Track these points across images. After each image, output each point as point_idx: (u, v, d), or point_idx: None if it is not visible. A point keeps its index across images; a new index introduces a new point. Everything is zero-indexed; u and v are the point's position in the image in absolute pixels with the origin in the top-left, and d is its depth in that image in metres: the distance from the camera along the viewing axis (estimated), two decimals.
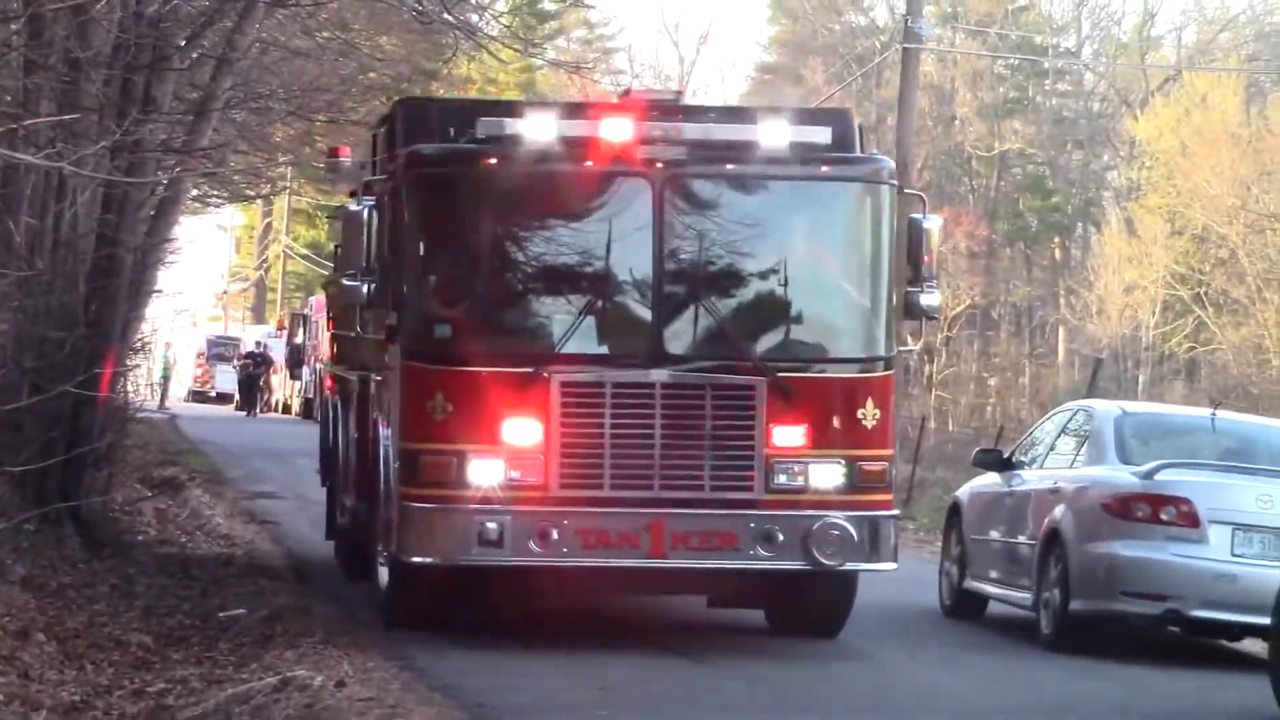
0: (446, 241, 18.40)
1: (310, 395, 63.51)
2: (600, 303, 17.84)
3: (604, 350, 17.90)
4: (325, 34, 29.60)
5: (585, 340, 17.82)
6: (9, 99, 19.48)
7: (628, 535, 17.44)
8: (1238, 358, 66.19)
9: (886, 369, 18.23)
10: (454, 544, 17.42)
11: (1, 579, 18.49)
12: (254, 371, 70.50)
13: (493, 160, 17.77)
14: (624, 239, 17.81)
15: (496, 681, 16.54)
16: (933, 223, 18.39)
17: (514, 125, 17.71)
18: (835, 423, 17.86)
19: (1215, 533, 19.28)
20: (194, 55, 24.25)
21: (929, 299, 18.17)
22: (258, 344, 72.84)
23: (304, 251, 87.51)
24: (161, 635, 18.32)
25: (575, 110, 19.37)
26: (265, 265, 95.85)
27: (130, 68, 22.00)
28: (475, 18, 26.03)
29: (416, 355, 17.93)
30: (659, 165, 17.68)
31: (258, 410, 70.05)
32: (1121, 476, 19.87)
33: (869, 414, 17.82)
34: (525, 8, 44.12)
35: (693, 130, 18.26)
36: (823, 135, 17.98)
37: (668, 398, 17.55)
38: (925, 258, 18.13)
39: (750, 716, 16.28)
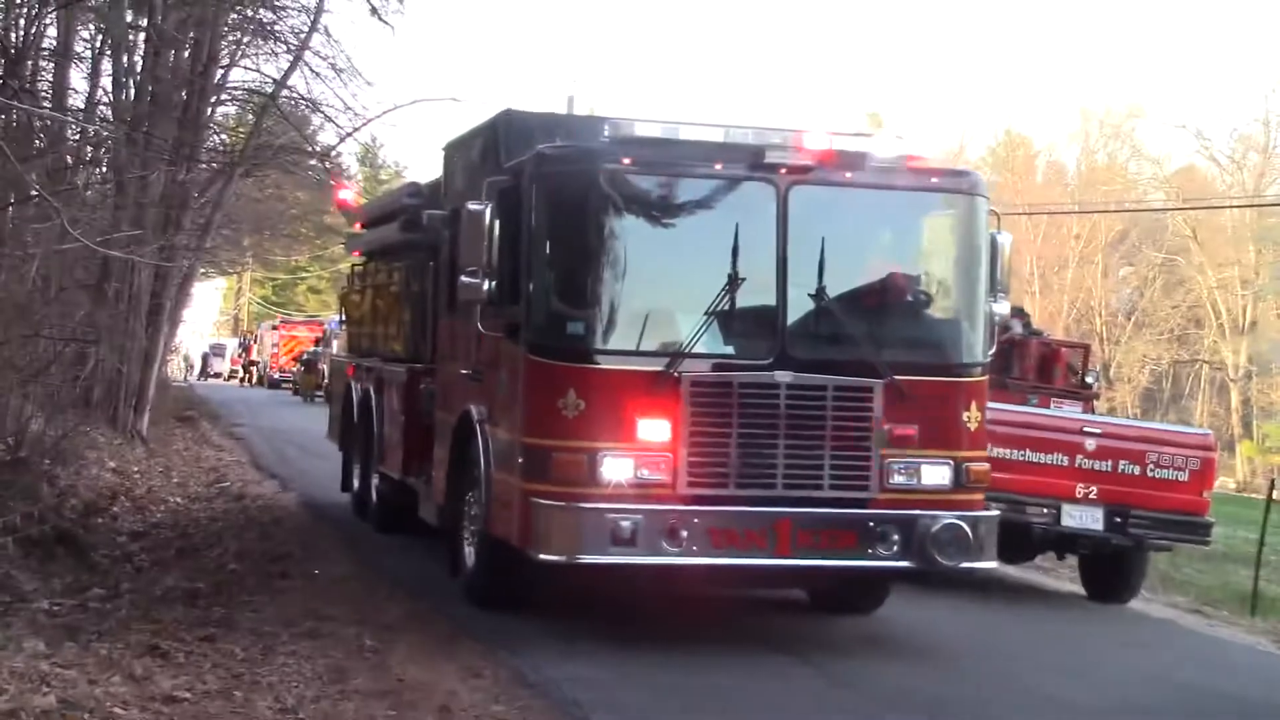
0: (576, 240, 10.54)
1: (262, 374, 61.70)
2: (727, 304, 10.41)
3: (730, 350, 10.47)
4: (269, 190, 30.26)
5: (713, 340, 10.45)
6: (106, 223, 18.60)
7: (754, 535, 10.33)
8: None
9: (984, 373, 11.26)
10: (587, 542, 10.05)
11: (102, 467, 18.43)
12: (247, 363, 67.97)
13: (625, 160, 10.43)
14: (749, 242, 10.51)
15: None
16: (1005, 238, 11.47)
17: (643, 129, 10.83)
18: (944, 424, 10.85)
19: None
20: (202, 200, 23.66)
21: (1000, 308, 11.44)
22: (241, 346, 71.81)
23: (259, 300, 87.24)
24: (187, 496, 18.10)
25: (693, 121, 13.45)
26: (238, 309, 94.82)
27: (169, 207, 21.56)
28: (347, 182, 24.96)
29: (548, 352, 10.39)
30: (783, 171, 10.58)
31: (252, 383, 65.03)
32: None
33: (973, 416, 10.97)
34: (374, 179, 45.59)
35: (812, 139, 10.93)
36: (921, 149, 11.38)
37: (791, 398, 10.41)
38: (998, 270, 11.34)
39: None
